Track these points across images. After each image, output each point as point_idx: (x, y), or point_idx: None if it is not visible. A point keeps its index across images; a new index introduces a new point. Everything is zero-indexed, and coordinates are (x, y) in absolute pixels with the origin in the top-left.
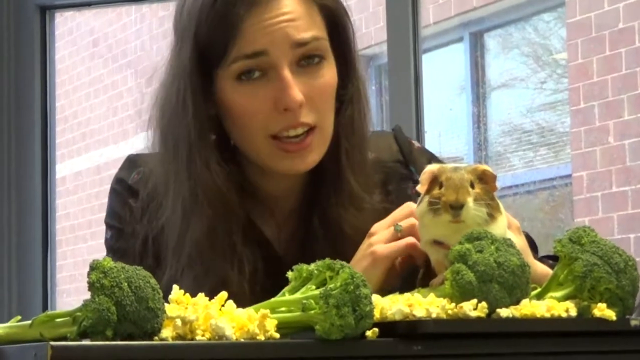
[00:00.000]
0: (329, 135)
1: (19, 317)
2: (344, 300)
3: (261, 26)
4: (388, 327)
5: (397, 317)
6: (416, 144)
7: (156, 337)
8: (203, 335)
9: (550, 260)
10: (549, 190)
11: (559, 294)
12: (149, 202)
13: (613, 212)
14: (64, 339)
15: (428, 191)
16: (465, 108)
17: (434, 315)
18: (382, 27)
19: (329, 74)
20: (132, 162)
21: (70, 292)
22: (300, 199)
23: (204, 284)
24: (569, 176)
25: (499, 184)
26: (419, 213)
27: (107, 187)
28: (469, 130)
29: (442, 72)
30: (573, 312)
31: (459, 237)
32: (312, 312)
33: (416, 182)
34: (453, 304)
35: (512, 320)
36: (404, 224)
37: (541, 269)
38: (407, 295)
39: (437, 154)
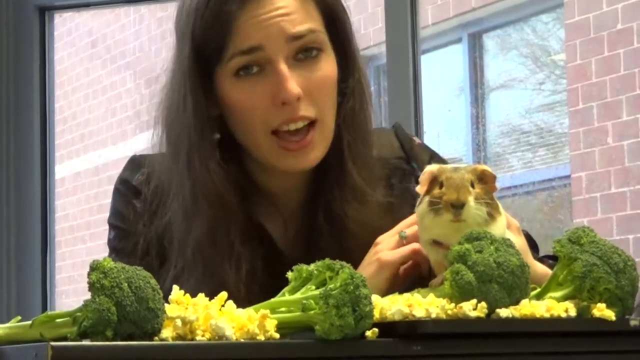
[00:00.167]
0: (330, 129)
1: (19, 318)
2: (344, 301)
3: (255, 21)
4: (388, 327)
5: (397, 318)
6: (417, 140)
7: (156, 338)
8: (203, 336)
9: (550, 260)
10: (548, 191)
11: (558, 294)
12: (152, 202)
13: (612, 212)
14: (64, 339)
15: (428, 191)
16: (464, 109)
17: (433, 316)
18: (380, 28)
19: (327, 66)
20: (136, 163)
21: (69, 293)
22: (305, 194)
23: (206, 284)
24: (568, 177)
25: (498, 185)
26: (419, 213)
27: (107, 188)
28: (467, 131)
29: (441, 73)
30: (572, 312)
31: (459, 237)
32: (312, 312)
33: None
34: (452, 304)
35: (511, 320)
36: (409, 231)
37: (541, 269)
38: (406, 295)
39: None
